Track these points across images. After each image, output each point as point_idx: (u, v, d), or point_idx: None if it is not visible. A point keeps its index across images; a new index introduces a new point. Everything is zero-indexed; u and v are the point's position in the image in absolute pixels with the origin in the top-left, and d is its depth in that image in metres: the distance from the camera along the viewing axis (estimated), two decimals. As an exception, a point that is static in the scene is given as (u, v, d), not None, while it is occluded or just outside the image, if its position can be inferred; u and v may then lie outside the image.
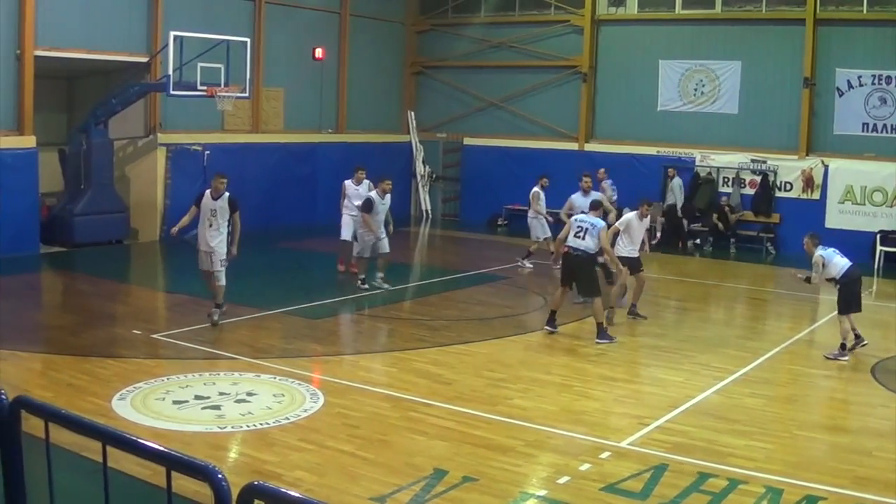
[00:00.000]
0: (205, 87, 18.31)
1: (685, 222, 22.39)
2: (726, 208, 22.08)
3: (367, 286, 15.20)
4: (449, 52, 26.92)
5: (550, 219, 18.08)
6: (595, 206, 13.15)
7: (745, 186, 22.47)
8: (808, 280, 12.31)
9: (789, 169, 21.85)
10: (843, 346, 11.77)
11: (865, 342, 11.93)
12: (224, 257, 12.41)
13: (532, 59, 25.61)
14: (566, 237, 12.65)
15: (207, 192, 12.50)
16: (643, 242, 13.88)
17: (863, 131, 21.09)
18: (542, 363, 11.34)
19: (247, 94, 19.74)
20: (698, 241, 22.35)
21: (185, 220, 12.62)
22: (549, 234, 17.80)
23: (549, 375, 10.78)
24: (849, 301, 11.90)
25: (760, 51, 22.23)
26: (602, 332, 12.35)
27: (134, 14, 19.63)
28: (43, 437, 3.36)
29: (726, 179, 22.75)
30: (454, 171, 27.16)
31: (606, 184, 21.31)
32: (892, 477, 7.62)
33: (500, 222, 25.00)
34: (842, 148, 21.32)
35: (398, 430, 8.58)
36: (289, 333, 12.63)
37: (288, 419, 8.72)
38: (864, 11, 20.89)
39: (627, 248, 13.44)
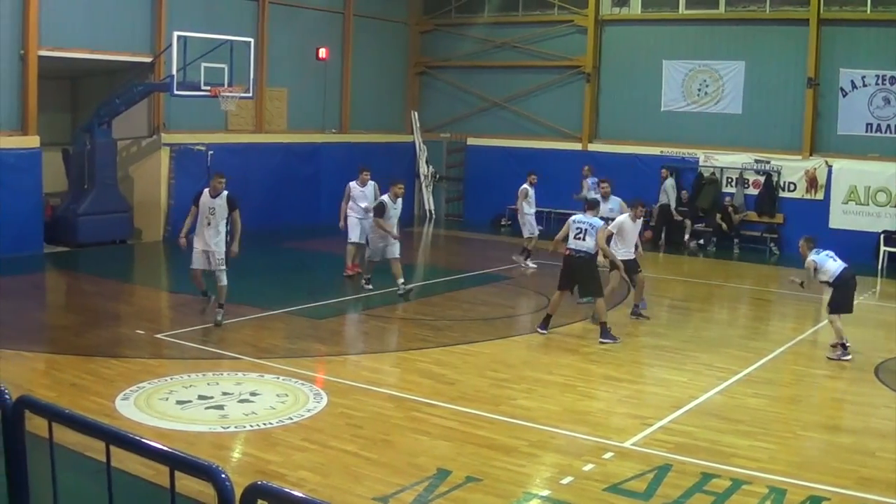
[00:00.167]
0: (208, 87, 18.31)
1: (688, 222, 22.37)
2: (730, 208, 22.07)
3: (370, 286, 15.16)
4: (452, 53, 26.92)
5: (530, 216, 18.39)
6: (593, 205, 13.16)
7: (748, 187, 22.45)
8: (801, 284, 12.39)
9: (793, 169, 21.83)
10: (843, 346, 11.75)
11: (849, 355, 11.89)
12: (223, 257, 12.39)
13: (535, 59, 25.61)
14: (565, 237, 12.66)
15: (206, 190, 12.47)
16: (636, 245, 13.78)
17: (866, 132, 21.06)
18: (546, 363, 11.33)
19: (250, 94, 19.73)
20: (702, 241, 22.35)
21: (189, 222, 12.55)
22: (535, 232, 18.32)
23: (553, 376, 10.77)
24: (840, 302, 11.95)
25: (764, 51, 22.21)
26: (605, 332, 12.36)
27: (137, 14, 19.65)
28: (46, 436, 3.36)
29: (730, 180, 22.73)
30: (457, 171, 27.16)
31: (588, 182, 21.35)
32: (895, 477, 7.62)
33: (503, 222, 24.99)
34: (845, 148, 21.30)
35: (401, 430, 8.58)
36: (292, 333, 12.63)
37: (291, 419, 8.72)
38: (868, 11, 20.86)
39: (621, 250, 13.32)
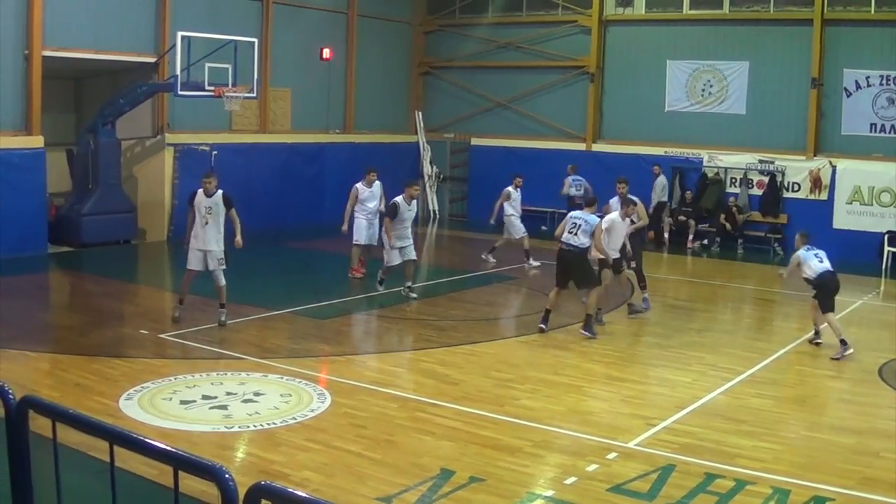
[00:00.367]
0: (212, 88, 18.31)
1: (692, 223, 22.35)
2: (734, 209, 22.04)
3: (382, 288, 15.01)
4: (456, 53, 26.91)
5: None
6: (590, 202, 13.23)
7: (752, 187, 22.43)
8: (782, 275, 12.93)
9: (797, 169, 21.81)
10: (843, 343, 11.84)
11: (820, 341, 12.42)
12: (222, 256, 12.41)
13: (539, 59, 25.60)
14: (561, 234, 12.76)
15: (199, 190, 12.46)
16: (624, 244, 13.69)
17: (870, 132, 21.03)
18: (550, 364, 11.33)
19: (254, 95, 19.75)
20: (706, 241, 22.33)
21: (189, 223, 12.60)
22: (522, 231, 18.54)
23: (557, 376, 10.77)
24: (821, 301, 12.25)
25: (768, 51, 22.19)
26: (588, 325, 12.48)
27: (141, 14, 19.68)
28: (50, 436, 3.37)
29: (734, 180, 22.71)
30: (461, 171, 27.16)
31: (568, 180, 21.68)
32: (900, 478, 7.60)
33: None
34: (849, 148, 21.28)
35: (405, 430, 8.58)
36: (296, 333, 12.64)
37: (295, 419, 8.73)
38: (872, 12, 20.83)
39: (608, 248, 13.22)
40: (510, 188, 18.59)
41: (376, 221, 15.93)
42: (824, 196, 21.45)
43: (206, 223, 12.24)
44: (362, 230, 15.99)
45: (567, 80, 25.20)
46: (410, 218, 14.86)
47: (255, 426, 8.52)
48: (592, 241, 12.63)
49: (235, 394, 9.45)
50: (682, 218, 22.57)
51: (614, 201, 14.37)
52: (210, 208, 12.25)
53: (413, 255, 14.95)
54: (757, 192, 22.37)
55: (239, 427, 8.50)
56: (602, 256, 13.10)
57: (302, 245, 20.73)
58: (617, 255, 13.39)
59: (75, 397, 9.02)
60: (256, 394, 9.48)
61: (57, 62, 18.14)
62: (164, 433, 8.05)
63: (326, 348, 12.04)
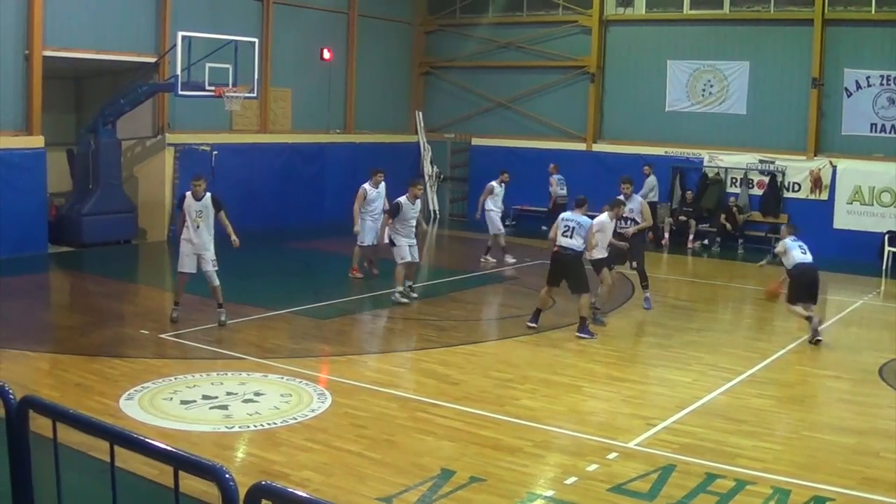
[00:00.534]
0: (213, 88, 18.31)
1: (692, 223, 22.35)
2: (734, 209, 22.04)
3: (402, 297, 14.56)
4: (457, 53, 26.91)
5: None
6: (580, 203, 13.11)
7: (753, 187, 22.44)
8: (761, 265, 13.76)
9: (797, 169, 21.80)
10: (810, 319, 12.54)
11: (821, 339, 12.61)
12: (214, 257, 12.45)
13: (540, 59, 25.60)
14: (556, 236, 12.76)
15: (188, 193, 12.52)
16: (610, 242, 13.68)
17: (871, 132, 21.03)
18: (550, 364, 11.33)
19: (255, 95, 19.75)
20: (706, 241, 22.33)
21: (181, 226, 12.62)
22: (502, 229, 18.72)
23: (557, 376, 10.77)
24: (794, 292, 12.77)
25: (769, 51, 22.19)
26: (584, 327, 12.56)
27: (142, 14, 19.68)
28: (51, 436, 3.37)
29: (734, 180, 22.71)
30: (462, 171, 27.16)
31: (554, 178, 22.13)
32: (901, 478, 7.60)
33: (507, 223, 24.95)
34: (850, 148, 21.28)
35: (405, 430, 8.58)
36: (296, 333, 12.64)
37: (295, 419, 8.73)
38: (873, 12, 20.83)
39: (597, 248, 13.22)
40: (494, 183, 18.72)
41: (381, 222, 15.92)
42: (825, 196, 21.45)
43: (198, 226, 12.30)
44: (368, 231, 15.97)
45: (567, 80, 25.20)
46: (415, 217, 14.77)
47: (255, 426, 8.52)
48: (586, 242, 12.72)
49: (236, 394, 9.45)
50: (682, 218, 22.58)
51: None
52: (200, 212, 12.30)
53: (416, 257, 14.93)
54: (757, 192, 22.37)
55: (239, 427, 8.50)
56: (599, 256, 13.17)
57: (302, 245, 20.73)
58: (604, 255, 13.38)
59: (76, 397, 9.03)
60: (257, 394, 9.48)
61: (57, 62, 18.15)
62: (165, 433, 8.05)
63: (327, 348, 12.04)
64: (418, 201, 14.83)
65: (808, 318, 12.61)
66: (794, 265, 12.65)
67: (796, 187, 21.89)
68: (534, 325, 12.89)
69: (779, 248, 13.12)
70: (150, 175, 20.55)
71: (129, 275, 17.65)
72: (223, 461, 4.59)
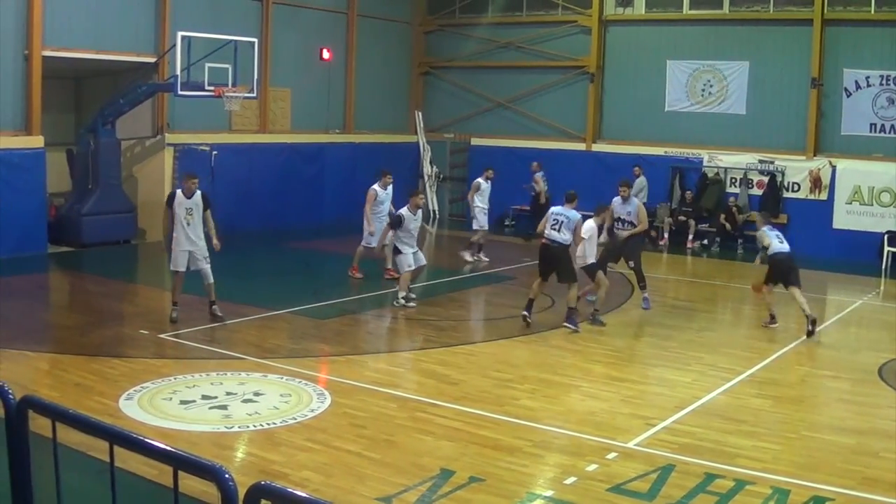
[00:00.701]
0: (212, 88, 18.31)
1: (692, 223, 22.35)
2: (734, 209, 22.04)
3: (407, 303, 14.33)
4: (456, 53, 26.91)
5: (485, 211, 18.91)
6: (570, 198, 13.39)
7: (752, 187, 22.43)
8: (755, 265, 14.18)
9: (797, 169, 21.80)
10: (771, 316, 13.40)
11: (776, 324, 13.52)
12: (207, 254, 12.54)
13: (539, 59, 25.60)
14: (543, 230, 13.06)
15: (178, 191, 12.62)
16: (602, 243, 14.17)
17: (870, 132, 21.04)
18: (550, 363, 11.33)
19: (254, 95, 19.74)
20: (705, 241, 22.33)
21: (170, 226, 12.63)
22: (485, 226, 18.89)
23: (556, 376, 10.77)
24: (771, 276, 13.34)
25: (768, 51, 22.19)
26: (571, 318, 12.79)
27: (141, 14, 19.68)
28: (50, 436, 3.37)
29: (734, 180, 22.71)
30: (461, 171, 27.14)
31: (538, 176, 22.35)
32: (900, 478, 7.60)
33: (507, 222, 24.99)
34: (849, 148, 21.28)
35: (405, 430, 8.58)
36: (296, 333, 12.64)
37: (295, 419, 8.73)
38: (872, 12, 20.83)
39: (588, 252, 13.36)
40: (480, 179, 18.93)
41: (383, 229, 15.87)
42: (824, 196, 21.46)
43: (188, 224, 12.38)
44: (378, 234, 15.92)
45: (567, 80, 25.20)
46: (416, 227, 14.78)
47: (254, 426, 8.52)
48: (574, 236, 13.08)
49: (235, 394, 9.45)
50: (682, 218, 22.58)
51: (617, 201, 14.42)
52: (190, 209, 12.39)
53: (423, 260, 14.89)
54: (757, 192, 22.36)
55: (239, 427, 8.50)
56: (591, 262, 13.40)
57: (302, 245, 20.72)
58: (595, 260, 13.49)
59: (75, 397, 9.03)
60: (256, 394, 9.48)
61: (57, 62, 18.14)
62: (164, 433, 8.05)
63: (326, 348, 12.04)
64: (419, 211, 14.86)
65: (772, 316, 13.47)
66: (772, 254, 13.24)
67: (796, 187, 21.89)
68: (527, 314, 13.18)
69: (761, 240, 13.59)
70: (150, 175, 20.54)
71: (129, 275, 17.65)
72: (222, 461, 4.59)
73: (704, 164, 23.00)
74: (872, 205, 20.86)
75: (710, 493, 7.18)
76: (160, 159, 20.43)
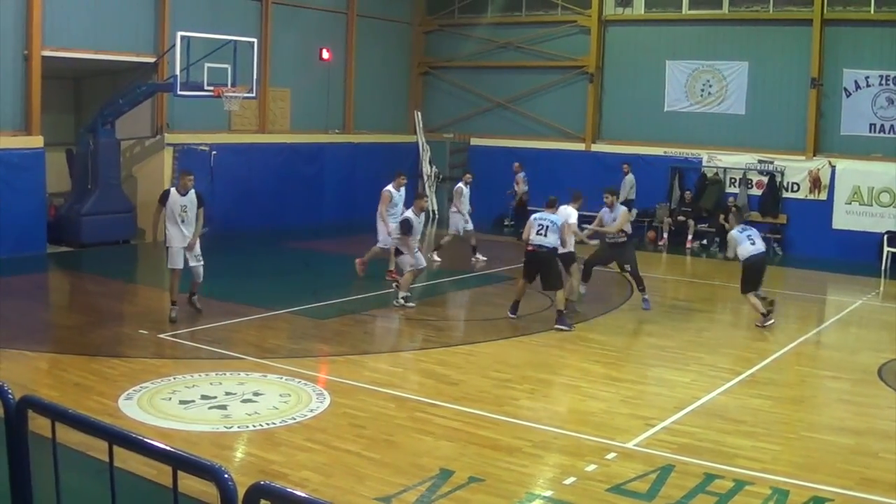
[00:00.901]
0: (212, 88, 18.32)
1: (691, 223, 22.36)
2: (733, 209, 22.00)
3: (407, 303, 14.32)
4: (456, 53, 26.92)
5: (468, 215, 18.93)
6: (551, 204, 13.65)
7: (752, 187, 22.44)
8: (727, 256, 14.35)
9: (796, 169, 21.81)
10: (763, 315, 13.33)
11: (772, 320, 13.55)
12: (199, 252, 12.64)
13: (539, 59, 25.61)
14: (528, 236, 13.27)
15: (173, 189, 12.72)
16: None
17: (870, 132, 21.04)
18: (549, 364, 11.34)
19: (253, 95, 19.75)
20: (705, 241, 22.33)
21: (160, 223, 12.78)
22: (470, 227, 18.85)
23: (556, 376, 10.78)
24: (747, 281, 13.52)
25: (768, 51, 22.20)
26: (561, 319, 12.94)
27: (141, 15, 19.68)
28: (50, 436, 3.37)
29: (733, 180, 22.71)
30: (461, 171, 27.05)
31: (520, 177, 22.91)
32: (900, 478, 7.60)
33: (506, 222, 24.98)
34: (849, 149, 21.28)
35: (404, 430, 8.58)
36: (295, 333, 12.64)
37: (294, 419, 8.73)
38: (872, 12, 20.84)
39: (568, 242, 13.90)
40: (461, 184, 19.09)
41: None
42: (824, 196, 21.46)
43: (183, 221, 12.48)
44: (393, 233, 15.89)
45: (566, 80, 25.21)
46: (420, 228, 14.89)
47: (254, 426, 8.52)
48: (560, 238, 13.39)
49: (234, 394, 9.45)
50: (681, 218, 22.58)
51: (605, 211, 14.52)
52: (185, 206, 12.46)
53: (423, 263, 14.88)
54: (756, 192, 22.36)
55: (238, 427, 8.50)
56: (571, 250, 13.95)
57: (301, 245, 20.72)
58: (573, 250, 14.08)
59: (74, 397, 9.02)
60: (256, 394, 9.48)
61: (56, 62, 18.14)
62: (164, 433, 8.05)
63: (325, 348, 12.04)
64: (423, 213, 14.97)
65: (766, 314, 13.44)
66: (745, 258, 13.35)
67: (795, 187, 21.90)
68: (512, 315, 13.46)
69: (730, 244, 13.71)
70: (149, 175, 20.54)
71: (128, 275, 17.65)
72: (222, 461, 4.59)
73: (704, 164, 23.00)
74: (872, 205, 20.86)
75: (710, 493, 7.18)
76: (160, 159, 20.44)
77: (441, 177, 27.05)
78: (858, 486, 7.39)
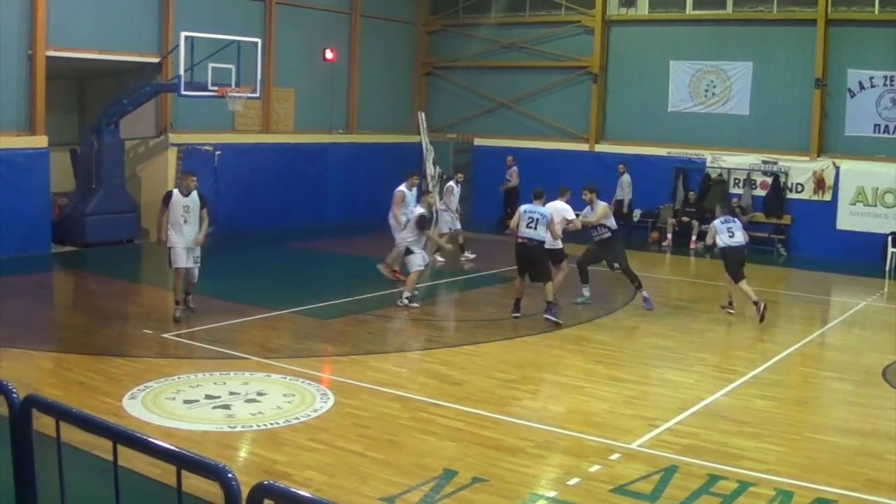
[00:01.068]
0: (216, 88, 18.33)
1: (695, 223, 22.33)
2: (737, 209, 21.97)
3: (411, 303, 14.31)
4: (459, 53, 26.92)
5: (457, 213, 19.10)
6: (539, 195, 13.70)
7: (756, 188, 22.41)
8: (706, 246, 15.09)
9: (800, 170, 21.78)
10: (756, 304, 13.69)
11: (732, 311, 14.30)
12: (198, 254, 12.76)
13: (542, 59, 25.60)
14: (516, 227, 13.41)
15: (175, 191, 12.80)
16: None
17: (874, 132, 21.01)
18: (552, 364, 11.34)
19: (257, 95, 19.76)
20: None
21: (162, 222, 12.82)
22: (458, 226, 18.99)
23: (559, 376, 10.77)
24: (727, 271, 14.11)
25: (772, 51, 22.17)
26: (550, 310, 13.14)
27: (145, 15, 19.70)
28: (54, 435, 3.37)
29: (737, 181, 22.69)
30: (464, 171, 27.09)
31: (513, 170, 23.19)
32: (904, 480, 7.59)
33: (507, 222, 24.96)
34: (853, 149, 21.25)
35: (408, 430, 8.58)
36: (299, 333, 12.65)
37: (298, 419, 8.73)
38: (876, 12, 20.81)
39: (558, 241, 14.05)
40: (451, 183, 19.23)
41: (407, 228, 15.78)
42: (828, 197, 21.43)
43: (186, 221, 12.54)
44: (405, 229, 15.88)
45: (570, 80, 25.20)
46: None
47: (258, 426, 8.52)
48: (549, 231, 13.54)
49: (239, 393, 9.45)
50: (685, 219, 22.56)
51: (587, 210, 14.74)
52: (188, 207, 12.53)
53: (427, 260, 14.93)
54: (760, 192, 22.34)
55: (242, 427, 8.50)
56: (560, 246, 14.08)
57: (305, 245, 20.73)
58: (561, 245, 14.21)
59: (79, 396, 9.04)
60: (259, 393, 9.49)
61: (60, 62, 18.16)
62: (168, 432, 8.06)
63: (329, 348, 12.04)
64: (431, 209, 15.01)
65: (730, 304, 14.20)
66: (721, 247, 14.00)
67: (799, 188, 21.87)
68: (517, 314, 13.55)
69: (710, 231, 14.38)
70: (153, 175, 20.57)
71: (133, 274, 17.67)
72: (226, 461, 4.59)
73: (708, 164, 22.98)
74: (876, 206, 20.83)
75: (714, 494, 7.17)
76: (164, 159, 20.46)
77: (445, 177, 27.00)
78: (863, 488, 7.38)
